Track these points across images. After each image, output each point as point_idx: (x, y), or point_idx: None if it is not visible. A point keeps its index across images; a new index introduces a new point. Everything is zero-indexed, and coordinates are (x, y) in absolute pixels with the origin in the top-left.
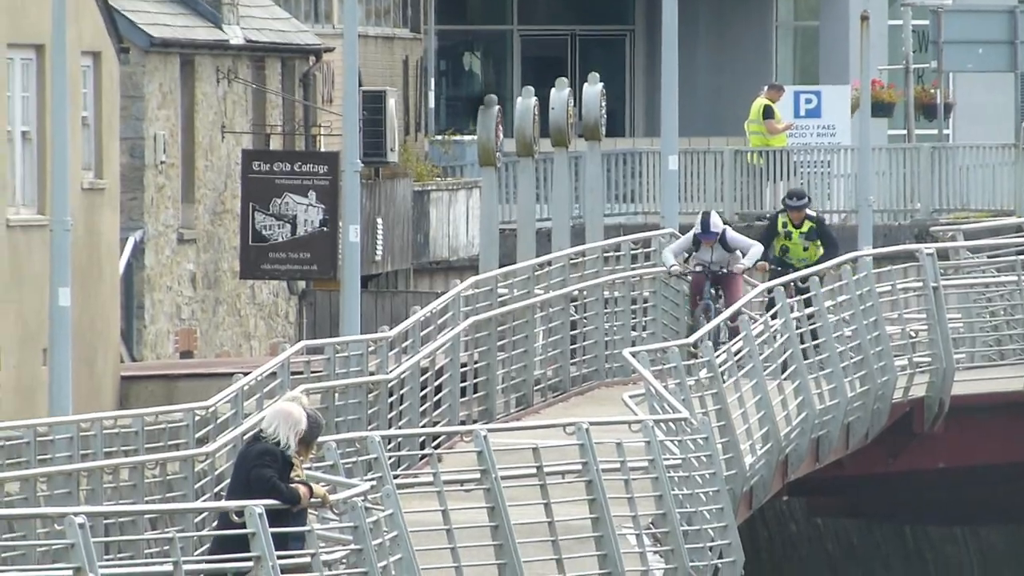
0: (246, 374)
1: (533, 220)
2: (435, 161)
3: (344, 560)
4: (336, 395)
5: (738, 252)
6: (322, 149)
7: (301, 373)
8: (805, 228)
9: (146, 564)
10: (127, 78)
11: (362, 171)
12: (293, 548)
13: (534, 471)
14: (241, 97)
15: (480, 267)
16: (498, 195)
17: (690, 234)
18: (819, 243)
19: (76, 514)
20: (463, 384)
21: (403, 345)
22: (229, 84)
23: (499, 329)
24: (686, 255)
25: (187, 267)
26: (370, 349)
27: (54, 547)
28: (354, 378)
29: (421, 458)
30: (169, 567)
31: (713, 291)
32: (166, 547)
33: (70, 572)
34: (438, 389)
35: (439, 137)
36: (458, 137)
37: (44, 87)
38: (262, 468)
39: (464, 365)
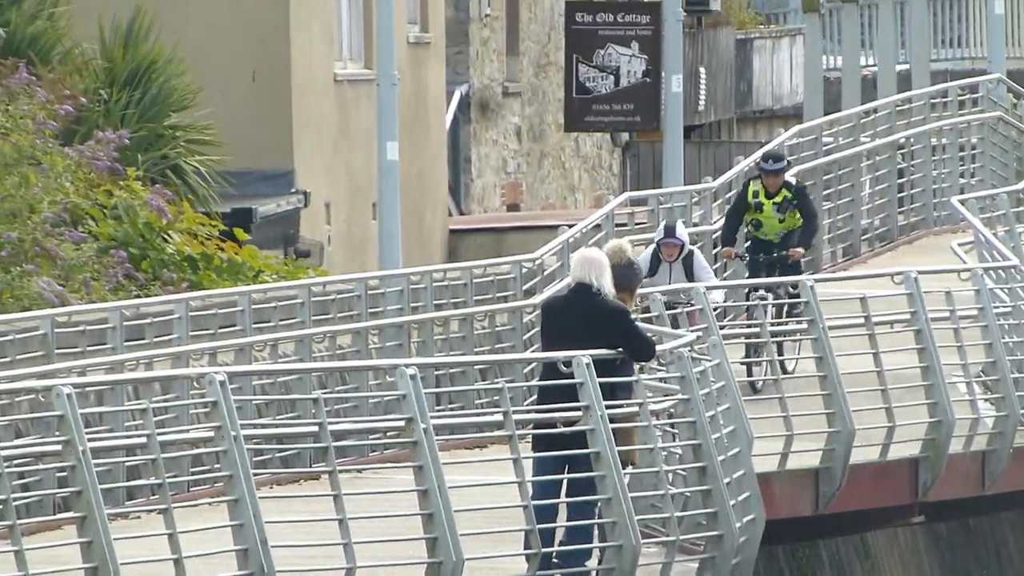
0: (571, 226)
1: (858, 67)
2: (758, 8)
3: (671, 410)
4: None
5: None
6: None
7: (625, 225)
8: (779, 198)
9: (476, 415)
10: None
11: (684, 20)
12: (620, 398)
13: (862, 321)
14: None
15: (804, 115)
16: (822, 42)
17: (648, 252)
18: (796, 214)
19: (407, 365)
20: None
21: (727, 196)
22: None
23: (824, 178)
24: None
25: (512, 120)
26: (693, 200)
27: (386, 398)
28: None
29: (746, 308)
30: (499, 417)
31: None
32: (495, 397)
33: (401, 423)
34: None
35: None
36: None
37: None
38: (642, 330)
39: None
